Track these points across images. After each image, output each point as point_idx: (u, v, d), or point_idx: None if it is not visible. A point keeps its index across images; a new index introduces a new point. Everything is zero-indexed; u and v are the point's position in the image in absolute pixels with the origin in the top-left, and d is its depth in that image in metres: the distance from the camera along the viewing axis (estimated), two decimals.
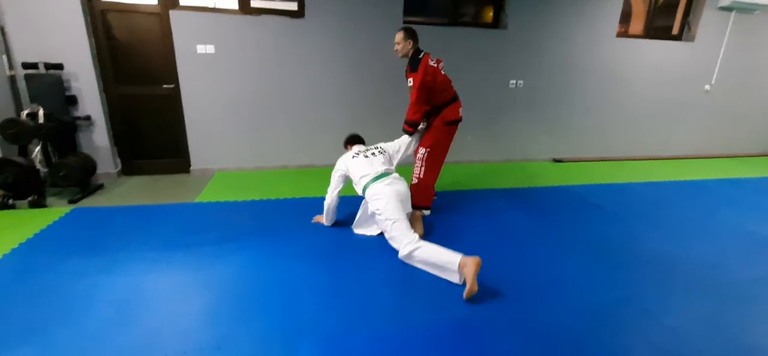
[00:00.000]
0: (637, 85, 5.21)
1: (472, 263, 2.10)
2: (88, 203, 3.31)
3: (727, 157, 5.88)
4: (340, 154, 2.92)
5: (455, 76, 3.10)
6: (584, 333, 1.88)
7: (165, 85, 3.90)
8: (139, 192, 3.62)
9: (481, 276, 2.12)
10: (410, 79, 2.89)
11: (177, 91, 3.90)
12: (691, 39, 5.18)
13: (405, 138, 3.04)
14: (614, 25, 4.84)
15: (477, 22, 4.75)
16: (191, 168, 4.18)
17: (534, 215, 3.31)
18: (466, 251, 2.22)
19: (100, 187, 3.67)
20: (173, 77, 3.86)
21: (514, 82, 4.75)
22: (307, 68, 4.13)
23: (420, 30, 3.04)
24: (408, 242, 2.37)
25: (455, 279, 2.18)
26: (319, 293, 2.11)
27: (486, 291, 2.12)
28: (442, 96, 2.97)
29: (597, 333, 1.88)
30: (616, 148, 5.47)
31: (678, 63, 5.23)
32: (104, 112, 3.75)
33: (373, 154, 2.80)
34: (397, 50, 2.96)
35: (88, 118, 3.67)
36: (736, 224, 3.27)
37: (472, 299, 2.06)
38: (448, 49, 4.33)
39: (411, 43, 2.92)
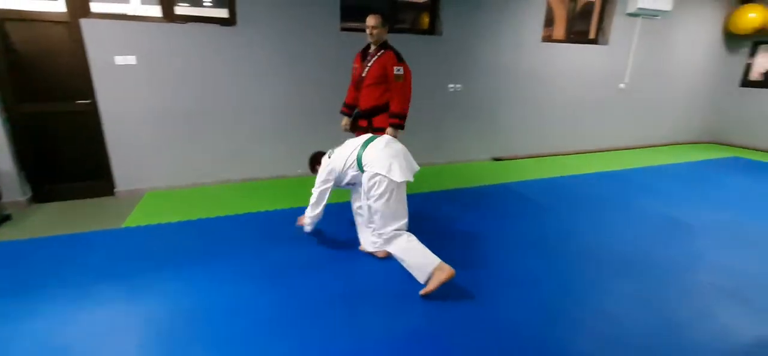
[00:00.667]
0: (562, 86, 5.59)
1: (447, 271, 2.10)
2: None
3: (642, 147, 6.52)
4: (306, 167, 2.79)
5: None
6: (538, 328, 1.97)
7: (79, 101, 3.51)
8: (56, 221, 3.23)
9: None
10: (399, 68, 2.86)
11: (94, 106, 3.53)
12: (606, 42, 5.67)
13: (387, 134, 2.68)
14: (539, 31, 5.16)
15: (415, 29, 4.83)
16: (116, 190, 3.82)
17: (478, 215, 3.42)
18: None
19: (7, 218, 3.22)
20: (89, 92, 3.49)
21: (453, 86, 4.89)
22: (241, 77, 3.94)
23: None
24: (398, 226, 2.22)
25: (422, 278, 2.15)
26: (267, 316, 2.01)
27: (438, 295, 2.14)
28: None
29: (549, 327, 1.98)
30: (547, 144, 5.82)
31: (596, 64, 5.71)
32: (6, 133, 3.30)
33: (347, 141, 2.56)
34: (371, 34, 2.91)
35: None
36: (653, 209, 3.62)
37: (426, 304, 2.08)
38: None
39: (386, 30, 2.93)
